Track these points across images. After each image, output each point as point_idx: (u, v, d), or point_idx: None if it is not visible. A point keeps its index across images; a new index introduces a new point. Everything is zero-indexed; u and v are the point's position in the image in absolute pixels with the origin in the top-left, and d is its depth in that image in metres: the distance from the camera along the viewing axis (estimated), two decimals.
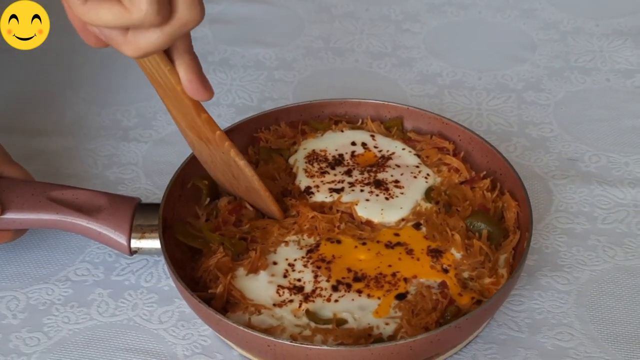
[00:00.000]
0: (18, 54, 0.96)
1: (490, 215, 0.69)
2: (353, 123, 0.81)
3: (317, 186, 0.73)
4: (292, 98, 0.93)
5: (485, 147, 0.74)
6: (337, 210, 0.71)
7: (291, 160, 0.76)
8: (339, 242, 0.68)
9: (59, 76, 0.98)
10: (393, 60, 0.98)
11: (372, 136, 0.78)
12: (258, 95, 0.94)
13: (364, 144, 0.78)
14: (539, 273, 0.70)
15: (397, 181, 0.73)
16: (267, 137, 0.79)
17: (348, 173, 0.75)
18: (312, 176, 0.74)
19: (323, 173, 0.75)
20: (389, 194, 0.72)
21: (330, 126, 0.80)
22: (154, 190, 0.81)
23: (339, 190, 0.73)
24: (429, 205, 0.71)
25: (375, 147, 0.77)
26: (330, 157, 0.76)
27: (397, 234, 0.68)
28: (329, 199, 0.72)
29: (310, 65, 0.98)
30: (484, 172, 0.74)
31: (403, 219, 0.70)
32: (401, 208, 0.70)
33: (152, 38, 0.50)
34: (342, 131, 0.79)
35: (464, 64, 0.97)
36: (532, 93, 0.92)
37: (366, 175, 0.74)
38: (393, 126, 0.79)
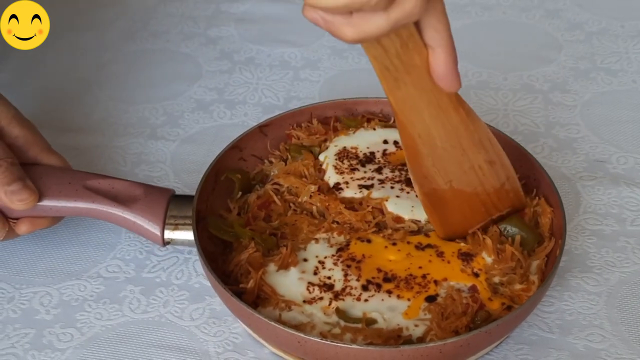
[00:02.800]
0: (46, 51, 0.98)
1: (526, 220, 0.69)
2: (386, 121, 0.81)
3: (347, 182, 0.73)
4: (319, 97, 0.92)
5: (520, 151, 0.74)
6: (368, 205, 0.71)
7: (321, 157, 0.76)
8: (369, 241, 0.68)
9: (87, 73, 0.99)
10: None
11: None
12: (284, 94, 0.94)
13: (395, 142, 0.77)
14: (569, 274, 0.70)
15: None
16: (299, 134, 0.79)
17: (378, 171, 0.75)
18: (341, 173, 0.74)
19: (353, 170, 0.75)
20: None
21: (363, 124, 0.80)
22: (182, 188, 0.81)
23: (368, 187, 0.73)
24: None
25: None
26: (361, 155, 0.76)
27: (427, 236, 0.68)
28: (358, 195, 0.72)
29: (336, 65, 0.98)
30: (517, 175, 0.73)
31: None
32: None
33: (378, 22, 0.49)
34: (374, 129, 0.79)
35: (489, 64, 0.96)
36: (558, 94, 0.92)
37: (397, 173, 0.74)
38: None
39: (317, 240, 0.68)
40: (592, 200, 0.77)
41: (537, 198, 0.71)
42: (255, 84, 0.95)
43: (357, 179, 0.74)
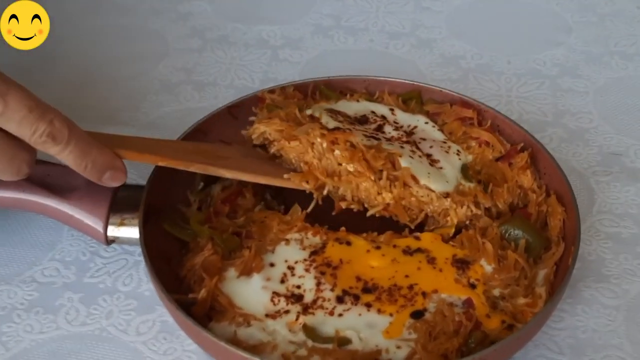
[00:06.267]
0: None
1: (532, 221, 0.62)
2: (370, 96, 0.73)
3: (349, 129, 0.64)
4: (299, 80, 0.84)
5: (527, 139, 0.67)
6: (381, 151, 0.61)
7: (308, 112, 0.67)
8: (348, 243, 0.62)
9: (41, 49, 0.88)
10: (412, 41, 0.92)
11: (392, 110, 0.71)
12: (260, 75, 0.88)
13: (383, 117, 0.70)
14: (582, 284, 0.64)
15: (429, 155, 0.65)
16: (272, 97, 0.70)
17: (379, 129, 0.67)
18: (340, 122, 0.65)
19: (351, 124, 0.66)
20: (432, 160, 0.64)
21: (345, 96, 0.72)
22: (137, 180, 0.72)
23: (376, 139, 0.64)
24: (471, 184, 0.63)
25: (395, 122, 0.69)
26: (352, 117, 0.68)
27: (417, 238, 0.61)
28: (366, 142, 0.63)
29: (319, 45, 0.92)
30: (522, 144, 0.67)
31: (448, 194, 0.61)
32: (447, 182, 0.62)
33: None
34: (358, 101, 0.71)
35: (491, 46, 0.91)
36: (568, 79, 0.86)
37: (401, 132, 0.66)
38: (411, 99, 0.73)
39: (287, 241, 0.63)
40: (608, 199, 0.71)
41: (545, 195, 0.64)
42: (228, 64, 0.89)
43: (361, 130, 0.65)
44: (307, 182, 0.62)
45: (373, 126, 0.67)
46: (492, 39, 0.93)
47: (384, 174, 0.60)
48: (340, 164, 0.61)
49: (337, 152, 0.61)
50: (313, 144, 0.61)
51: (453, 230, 0.61)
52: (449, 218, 0.61)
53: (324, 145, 0.61)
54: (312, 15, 0.96)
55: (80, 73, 0.86)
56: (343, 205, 0.61)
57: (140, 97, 0.84)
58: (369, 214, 0.61)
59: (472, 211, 0.61)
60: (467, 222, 0.61)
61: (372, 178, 0.60)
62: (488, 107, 0.70)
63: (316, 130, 0.62)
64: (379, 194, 0.60)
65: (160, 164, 0.61)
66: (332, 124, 0.64)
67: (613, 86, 0.85)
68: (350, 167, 0.60)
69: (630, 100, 0.83)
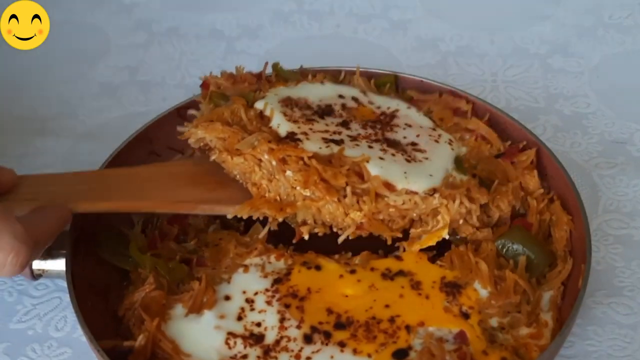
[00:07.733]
0: None
1: (533, 233, 0.54)
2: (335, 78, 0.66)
3: (305, 133, 0.56)
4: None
5: (520, 133, 0.60)
6: (342, 165, 0.53)
7: (259, 105, 0.58)
8: (318, 268, 0.55)
9: None
10: (383, 24, 0.88)
11: (364, 92, 0.63)
12: (215, 71, 0.78)
13: (355, 99, 0.62)
14: (592, 300, 0.58)
15: (414, 144, 0.57)
16: (219, 82, 0.62)
17: (345, 125, 0.58)
18: (294, 121, 0.57)
19: (310, 120, 0.57)
20: (409, 156, 0.55)
21: (306, 77, 0.64)
22: None
23: (337, 142, 0.55)
24: (464, 177, 0.55)
25: (371, 102, 0.61)
26: (314, 106, 0.60)
27: (399, 258, 0.54)
28: (325, 150, 0.54)
29: (280, 33, 0.87)
30: (524, 142, 0.59)
31: (435, 190, 0.53)
32: (430, 175, 0.53)
33: None
34: (323, 83, 0.63)
35: (472, 25, 0.86)
36: (559, 58, 0.81)
37: (370, 130, 0.58)
38: (385, 84, 0.65)
39: (246, 267, 0.55)
40: (614, 195, 0.66)
41: (546, 200, 0.56)
42: (177, 59, 0.85)
43: (320, 132, 0.56)
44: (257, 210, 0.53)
45: (337, 120, 0.58)
46: (473, 16, 0.88)
47: (348, 190, 0.51)
48: (294, 187, 0.52)
49: (288, 173, 0.51)
50: (260, 160, 0.52)
51: (446, 231, 0.52)
52: (439, 217, 0.52)
53: (273, 163, 0.52)
54: (271, 0, 0.89)
55: (5, 77, 0.79)
56: (304, 230, 0.52)
57: (77, 103, 0.78)
58: (340, 239, 0.52)
59: (466, 207, 0.52)
60: (458, 237, 0.53)
61: (335, 199, 0.51)
62: (477, 98, 0.63)
63: (263, 144, 0.52)
64: (346, 214, 0.51)
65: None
66: (284, 126, 0.55)
67: (610, 64, 0.80)
68: (307, 192, 0.52)
69: (631, 78, 0.78)
